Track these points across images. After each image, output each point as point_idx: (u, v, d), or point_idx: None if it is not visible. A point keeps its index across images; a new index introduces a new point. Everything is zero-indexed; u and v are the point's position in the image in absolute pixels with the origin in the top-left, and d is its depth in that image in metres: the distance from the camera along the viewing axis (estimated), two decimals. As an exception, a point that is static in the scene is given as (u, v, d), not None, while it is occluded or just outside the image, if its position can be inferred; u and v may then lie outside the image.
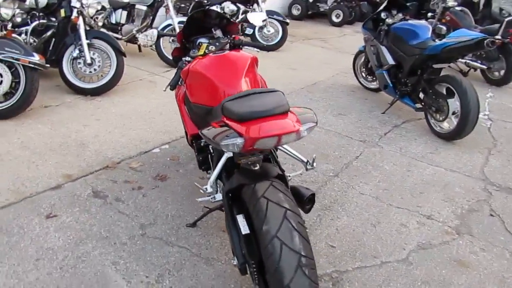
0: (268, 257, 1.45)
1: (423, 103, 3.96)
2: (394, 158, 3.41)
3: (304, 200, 1.83)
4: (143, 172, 2.87)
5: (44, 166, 2.86)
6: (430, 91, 3.80)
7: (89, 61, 4.09)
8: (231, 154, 1.77)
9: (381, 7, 4.52)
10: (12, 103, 3.45)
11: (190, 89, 2.18)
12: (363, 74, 5.15)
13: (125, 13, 5.80)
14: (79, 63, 4.16)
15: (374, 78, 4.87)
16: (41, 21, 4.22)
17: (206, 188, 1.82)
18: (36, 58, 3.44)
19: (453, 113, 3.62)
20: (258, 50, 2.66)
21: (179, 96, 2.51)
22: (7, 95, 3.47)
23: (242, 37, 2.60)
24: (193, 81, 2.16)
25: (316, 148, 3.54)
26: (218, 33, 2.51)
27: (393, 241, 2.35)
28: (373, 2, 8.71)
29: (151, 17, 5.77)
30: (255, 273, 1.61)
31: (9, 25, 3.91)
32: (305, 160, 2.03)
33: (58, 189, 2.59)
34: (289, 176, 2.09)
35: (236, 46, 2.57)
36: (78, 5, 4.07)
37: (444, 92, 3.68)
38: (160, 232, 2.27)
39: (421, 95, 4.03)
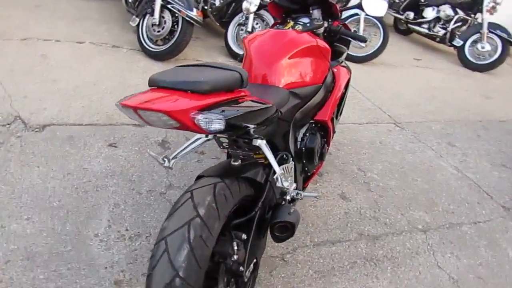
0: (150, 256, 1.20)
1: None
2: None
3: (272, 224, 1.45)
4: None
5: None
6: None
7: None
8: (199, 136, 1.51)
9: None
10: (165, 48, 3.90)
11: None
12: None
13: None
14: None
15: None
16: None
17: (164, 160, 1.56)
18: (194, 13, 3.75)
19: None
20: (361, 44, 2.17)
21: None
22: (165, 40, 3.94)
23: (342, 26, 2.15)
24: (244, 54, 1.93)
25: (429, 188, 2.78)
26: (315, 13, 2.15)
27: None
28: None
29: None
30: None
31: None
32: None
33: (139, 128, 2.82)
34: (300, 195, 1.69)
35: (332, 33, 2.17)
36: None
37: None
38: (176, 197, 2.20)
39: None
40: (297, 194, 1.72)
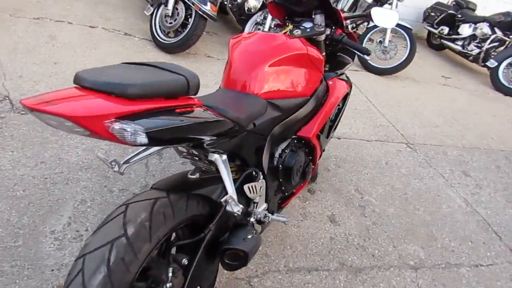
0: (68, 273, 1.05)
1: None
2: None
3: (222, 249, 1.29)
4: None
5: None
6: None
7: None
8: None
9: None
10: (175, 40, 3.78)
11: None
12: None
13: None
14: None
15: None
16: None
17: (113, 164, 1.40)
18: (207, 7, 3.61)
19: None
20: (365, 56, 1.97)
21: None
22: (177, 32, 3.82)
23: (345, 35, 1.95)
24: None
25: (431, 220, 2.54)
26: (318, 18, 1.96)
27: None
28: None
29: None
30: None
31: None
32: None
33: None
34: (268, 218, 1.52)
35: (333, 42, 1.98)
36: None
37: None
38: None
39: None
40: (265, 216, 1.55)
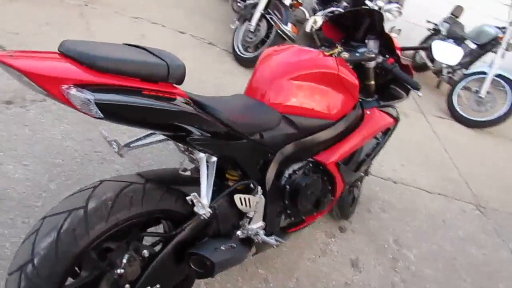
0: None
1: None
2: None
3: (189, 252, 1.24)
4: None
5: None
6: None
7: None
8: None
9: None
10: (252, 55, 3.87)
11: None
12: None
13: None
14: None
15: None
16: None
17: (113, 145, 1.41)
18: (288, 28, 3.64)
19: None
20: (417, 92, 1.78)
21: None
22: (256, 48, 3.92)
23: (397, 65, 1.79)
24: None
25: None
26: (371, 44, 1.84)
27: None
28: None
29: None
30: None
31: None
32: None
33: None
34: (258, 236, 1.43)
35: (383, 71, 1.83)
36: None
37: None
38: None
39: None
40: (256, 234, 1.45)
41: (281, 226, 1.69)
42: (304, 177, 1.56)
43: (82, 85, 0.88)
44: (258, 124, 1.36)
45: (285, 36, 3.65)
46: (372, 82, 1.87)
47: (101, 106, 0.88)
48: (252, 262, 1.93)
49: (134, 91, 0.95)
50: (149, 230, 1.31)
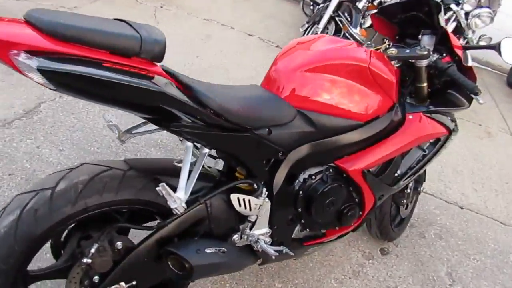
0: None
1: None
2: None
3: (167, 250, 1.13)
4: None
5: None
6: None
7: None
8: None
9: None
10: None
11: None
12: None
13: None
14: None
15: None
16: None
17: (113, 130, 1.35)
18: (356, 31, 3.42)
19: None
20: (477, 97, 1.48)
21: None
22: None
23: (453, 65, 1.50)
24: None
25: None
26: (425, 40, 1.59)
27: None
28: None
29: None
30: None
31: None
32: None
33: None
34: (258, 244, 1.29)
35: (437, 71, 1.55)
36: None
37: None
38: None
39: None
40: (256, 241, 1.29)
41: (296, 237, 1.50)
42: (321, 183, 1.36)
43: (36, 52, 0.82)
44: (265, 117, 1.21)
45: (352, 39, 3.42)
46: (425, 84, 1.59)
47: (45, 74, 0.81)
48: (270, 274, 1.76)
49: (92, 62, 0.86)
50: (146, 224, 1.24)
